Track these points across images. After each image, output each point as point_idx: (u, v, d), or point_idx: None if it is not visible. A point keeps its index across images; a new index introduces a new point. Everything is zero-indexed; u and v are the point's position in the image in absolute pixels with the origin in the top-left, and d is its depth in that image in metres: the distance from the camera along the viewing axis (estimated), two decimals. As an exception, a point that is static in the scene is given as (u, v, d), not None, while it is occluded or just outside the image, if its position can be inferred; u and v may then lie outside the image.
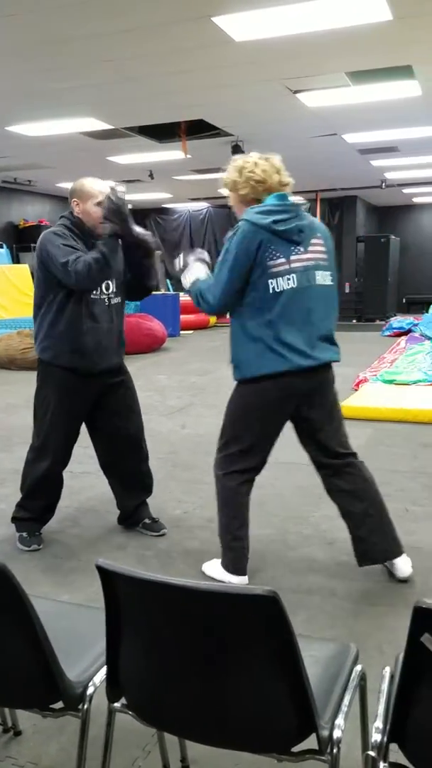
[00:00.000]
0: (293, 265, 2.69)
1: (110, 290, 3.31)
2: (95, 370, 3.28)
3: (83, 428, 3.47)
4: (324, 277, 2.79)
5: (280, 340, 2.70)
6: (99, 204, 3.16)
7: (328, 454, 2.94)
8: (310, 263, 2.74)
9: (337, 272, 2.94)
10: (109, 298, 3.31)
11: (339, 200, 16.53)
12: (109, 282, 3.29)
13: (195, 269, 2.94)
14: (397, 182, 13.98)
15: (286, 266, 2.68)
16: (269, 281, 2.67)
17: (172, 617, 1.34)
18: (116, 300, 3.36)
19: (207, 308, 2.82)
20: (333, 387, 2.95)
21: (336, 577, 3.09)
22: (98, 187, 3.20)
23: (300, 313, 2.72)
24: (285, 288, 2.68)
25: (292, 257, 2.69)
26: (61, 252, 3.09)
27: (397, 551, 2.98)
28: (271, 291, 2.67)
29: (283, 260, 2.67)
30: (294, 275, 2.69)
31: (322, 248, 2.81)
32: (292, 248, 2.70)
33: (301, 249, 2.72)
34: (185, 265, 2.98)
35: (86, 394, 3.33)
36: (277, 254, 2.66)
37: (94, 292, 3.23)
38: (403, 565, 2.99)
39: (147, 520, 3.60)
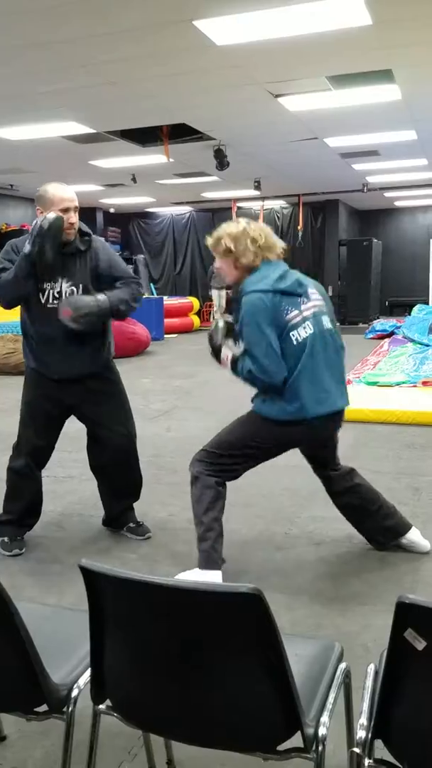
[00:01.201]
0: (305, 313, 2.83)
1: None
2: (61, 376, 3.25)
3: (67, 433, 3.46)
4: (327, 321, 2.92)
5: (312, 386, 2.82)
6: (63, 211, 3.10)
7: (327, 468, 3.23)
8: (316, 309, 2.88)
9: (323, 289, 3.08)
10: None
11: (321, 204, 16.60)
12: (74, 288, 3.21)
13: (228, 349, 2.99)
14: (379, 186, 14.06)
15: (300, 316, 2.81)
16: (290, 334, 2.78)
17: (156, 617, 1.34)
18: None
19: (261, 383, 2.84)
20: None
21: (323, 577, 3.10)
22: (60, 193, 3.14)
23: (322, 356, 2.86)
24: (306, 336, 2.81)
25: (302, 307, 2.84)
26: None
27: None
28: (295, 343, 2.79)
29: (296, 312, 2.81)
30: (308, 322, 2.83)
31: (319, 296, 2.95)
32: (299, 300, 2.84)
33: (305, 299, 2.86)
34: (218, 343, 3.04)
35: (59, 396, 3.31)
36: (290, 308, 2.80)
37: (52, 300, 3.18)
38: (420, 539, 3.28)
39: (132, 524, 3.60)
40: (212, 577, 2.90)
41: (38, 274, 3.14)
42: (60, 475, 4.48)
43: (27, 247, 3.07)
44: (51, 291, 3.19)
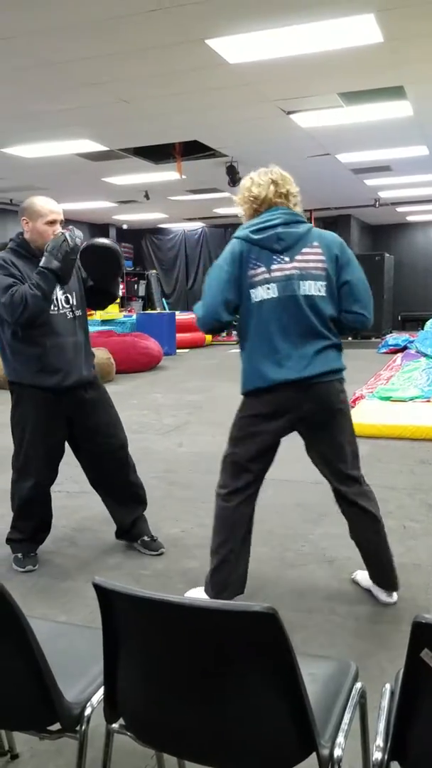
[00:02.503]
0: (274, 274, 2.65)
1: (71, 303, 3.30)
2: (61, 385, 3.24)
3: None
4: (311, 287, 2.67)
5: (263, 353, 2.68)
6: (49, 223, 3.16)
7: (338, 477, 2.87)
8: (294, 272, 2.65)
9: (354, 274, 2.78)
10: (71, 311, 3.30)
11: (333, 219, 16.63)
12: (69, 296, 3.28)
13: None
14: (391, 201, 14.09)
15: (266, 275, 2.64)
16: (250, 291, 2.66)
17: (170, 635, 1.33)
18: (78, 312, 3.34)
19: (198, 322, 2.75)
20: (333, 401, 2.77)
21: (336, 595, 3.07)
22: (49, 206, 3.20)
23: (280, 323, 2.67)
24: (264, 298, 2.65)
25: (273, 266, 2.65)
26: (1, 284, 3.07)
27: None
28: (252, 301, 2.66)
29: (262, 269, 2.65)
30: (273, 284, 2.64)
31: (319, 257, 2.69)
32: (274, 257, 2.66)
33: (285, 258, 2.66)
34: None
35: (60, 410, 3.30)
36: (257, 263, 2.65)
37: (54, 307, 3.21)
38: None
39: (146, 538, 3.58)
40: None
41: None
42: (73, 491, 4.48)
43: (55, 263, 3.05)
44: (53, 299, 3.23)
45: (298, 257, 2.68)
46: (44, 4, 4.43)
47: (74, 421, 3.35)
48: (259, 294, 2.64)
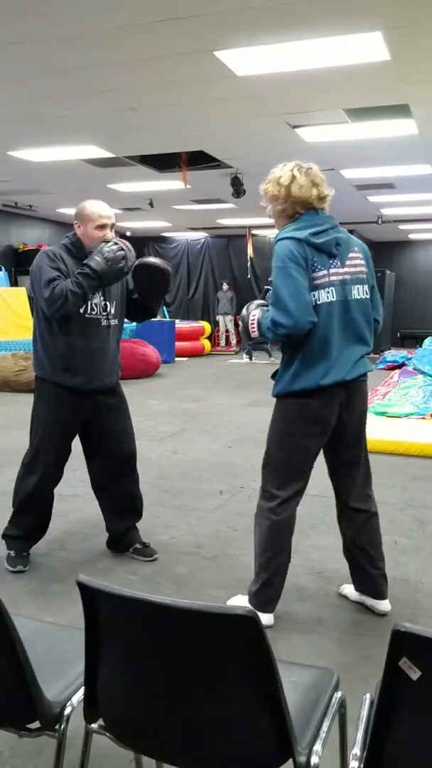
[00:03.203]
0: (332, 278, 2.68)
1: (108, 311, 3.32)
2: (83, 388, 3.28)
3: (74, 451, 3.47)
4: (360, 291, 2.76)
5: (319, 354, 2.68)
6: (99, 227, 3.20)
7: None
8: (347, 277, 2.72)
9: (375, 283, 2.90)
10: (107, 319, 3.32)
11: (336, 234, 16.69)
12: (107, 303, 3.31)
13: (254, 313, 2.86)
14: (394, 218, 14.17)
15: (327, 279, 2.66)
16: (312, 293, 2.64)
17: (151, 636, 1.34)
18: (114, 321, 3.36)
19: (284, 329, 2.60)
20: (365, 400, 2.93)
21: (323, 606, 3.08)
22: (99, 210, 3.22)
23: (337, 326, 2.70)
24: (325, 301, 2.66)
25: (332, 270, 2.68)
26: (45, 275, 3.12)
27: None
28: (313, 303, 2.64)
29: (324, 272, 2.66)
30: (333, 288, 2.67)
31: (361, 262, 2.80)
32: (331, 261, 2.69)
33: (338, 263, 2.70)
34: (246, 316, 2.91)
35: (77, 411, 3.33)
36: (319, 266, 2.65)
37: (91, 311, 3.25)
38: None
39: (138, 545, 3.59)
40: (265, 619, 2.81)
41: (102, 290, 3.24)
42: (64, 494, 4.48)
43: (101, 265, 3.08)
44: (90, 302, 3.24)
45: (348, 262, 2.74)
46: (56, 12, 4.48)
47: (90, 424, 3.39)
48: (321, 297, 2.65)
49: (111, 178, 10.34)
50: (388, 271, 16.90)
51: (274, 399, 2.84)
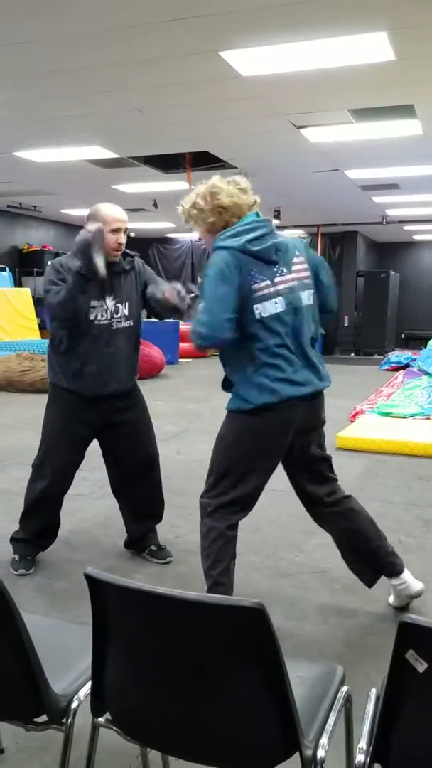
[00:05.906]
0: (279, 287, 2.54)
1: (119, 314, 3.26)
2: (96, 394, 3.24)
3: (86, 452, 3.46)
4: (309, 297, 2.64)
5: (271, 368, 2.56)
6: (113, 231, 3.13)
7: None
8: (295, 284, 2.58)
9: (336, 293, 2.84)
10: (119, 321, 3.27)
11: (340, 235, 16.71)
12: (120, 306, 3.25)
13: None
14: (398, 219, 14.15)
15: (272, 288, 2.52)
16: (253, 306, 2.50)
17: (158, 628, 1.35)
18: (126, 324, 3.29)
19: (199, 339, 2.53)
20: (323, 409, 2.79)
21: (328, 604, 3.08)
22: (112, 213, 3.16)
23: (289, 337, 2.57)
24: (271, 313, 2.52)
25: (277, 279, 2.54)
26: (48, 285, 3.15)
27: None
28: (257, 317, 2.51)
29: (267, 282, 2.52)
30: (281, 297, 2.53)
31: (305, 266, 2.66)
32: (276, 270, 2.54)
33: (284, 270, 2.57)
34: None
35: (90, 417, 3.29)
36: (260, 277, 2.51)
37: (100, 318, 3.20)
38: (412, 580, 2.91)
39: (153, 547, 3.57)
40: None
41: (100, 290, 3.16)
42: (70, 493, 4.47)
43: (76, 263, 3.04)
44: (100, 308, 3.20)
45: (293, 267, 2.61)
46: (61, 12, 4.50)
47: (107, 428, 3.35)
48: (267, 308, 2.51)
49: (115, 178, 10.35)
50: (393, 272, 16.90)
51: None
